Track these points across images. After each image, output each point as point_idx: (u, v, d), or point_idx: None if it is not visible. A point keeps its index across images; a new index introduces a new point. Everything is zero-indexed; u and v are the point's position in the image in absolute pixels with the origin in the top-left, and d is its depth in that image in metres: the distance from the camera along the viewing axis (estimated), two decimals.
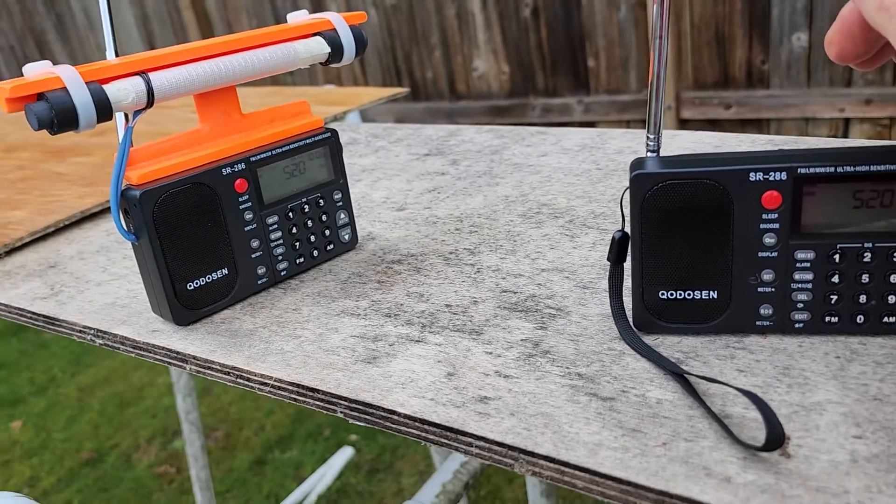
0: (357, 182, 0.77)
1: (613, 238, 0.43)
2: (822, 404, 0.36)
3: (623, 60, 3.11)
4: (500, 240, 0.58)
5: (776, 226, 0.40)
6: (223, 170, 0.51)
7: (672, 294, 0.42)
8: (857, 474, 0.32)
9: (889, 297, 0.40)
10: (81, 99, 0.44)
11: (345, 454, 1.98)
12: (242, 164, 0.52)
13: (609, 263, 0.45)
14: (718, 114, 2.99)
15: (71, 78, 0.44)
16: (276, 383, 0.44)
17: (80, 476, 2.04)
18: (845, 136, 2.85)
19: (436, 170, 0.77)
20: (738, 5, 2.86)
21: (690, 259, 0.41)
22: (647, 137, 0.41)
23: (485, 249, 0.57)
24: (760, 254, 0.40)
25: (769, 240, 0.40)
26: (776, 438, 0.33)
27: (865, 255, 0.39)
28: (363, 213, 0.68)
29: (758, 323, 0.42)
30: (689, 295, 0.42)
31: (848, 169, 0.38)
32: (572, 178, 0.69)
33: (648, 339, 0.43)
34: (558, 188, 0.67)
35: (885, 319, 0.40)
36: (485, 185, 0.71)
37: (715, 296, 0.42)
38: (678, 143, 0.74)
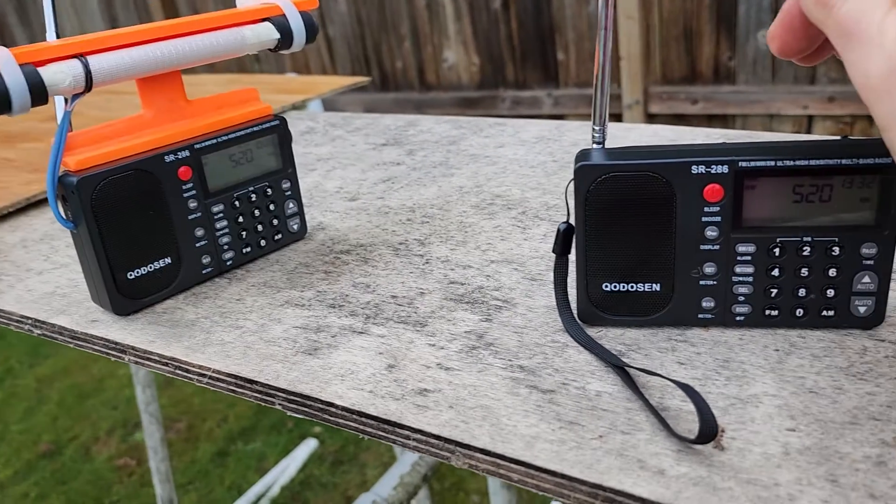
0: (311, 171, 0.76)
1: (558, 230, 0.43)
2: (758, 397, 0.36)
3: (593, 54, 3.12)
4: (452, 231, 0.58)
5: (718, 219, 0.40)
6: (166, 157, 0.50)
7: (616, 286, 0.42)
8: (789, 467, 0.32)
9: (828, 291, 0.40)
10: (14, 81, 0.43)
11: (308, 446, 1.97)
12: (186, 151, 0.51)
13: (555, 255, 0.44)
14: (685, 109, 3.02)
15: (3, 60, 0.43)
16: (214, 374, 0.43)
17: (38, 468, 2.01)
18: (809, 132, 2.89)
19: (392, 160, 0.77)
20: (705, 1, 2.88)
21: (634, 251, 0.41)
22: (593, 129, 0.41)
23: (435, 240, 0.57)
24: (703, 247, 0.40)
25: (711, 233, 0.40)
26: (709, 431, 0.33)
27: (805, 249, 0.39)
28: (315, 202, 0.67)
29: (700, 316, 0.42)
30: (632, 287, 0.42)
31: (787, 163, 0.38)
32: (528, 170, 0.69)
33: (592, 332, 0.43)
34: (513, 179, 0.67)
35: (824, 313, 0.40)
36: (440, 175, 0.70)
37: (658, 289, 0.42)
38: (634, 136, 0.74)
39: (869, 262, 0.39)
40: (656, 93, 3.08)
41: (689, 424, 0.35)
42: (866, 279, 0.39)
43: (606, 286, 0.42)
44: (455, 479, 1.79)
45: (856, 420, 0.34)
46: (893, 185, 0.37)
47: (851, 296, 0.40)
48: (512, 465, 0.34)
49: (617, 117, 3.03)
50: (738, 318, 0.42)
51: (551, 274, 0.50)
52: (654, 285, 0.42)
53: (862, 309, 0.40)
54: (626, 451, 0.34)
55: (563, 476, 0.33)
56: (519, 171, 0.69)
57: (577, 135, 0.77)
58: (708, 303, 0.41)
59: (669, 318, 0.42)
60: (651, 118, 3.06)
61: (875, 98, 0.28)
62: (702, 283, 0.41)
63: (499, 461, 0.34)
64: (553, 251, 0.44)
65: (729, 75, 3.01)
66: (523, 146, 0.76)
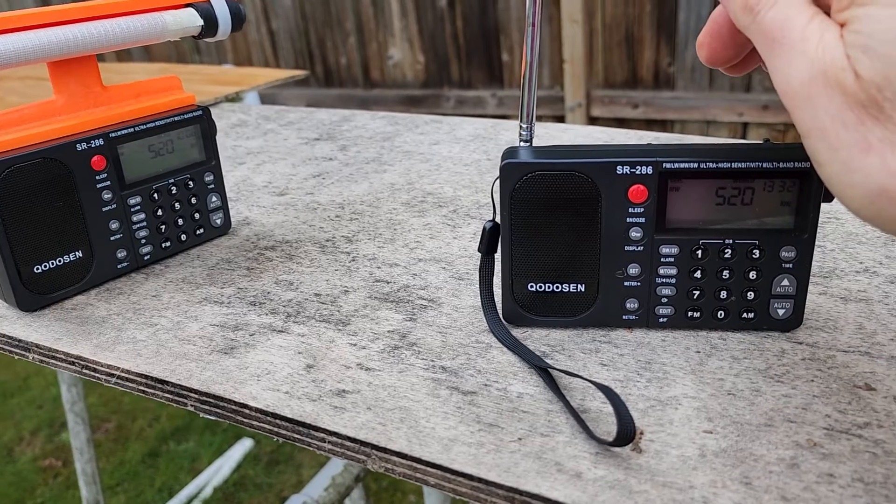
0: (240, 165, 0.74)
1: (484, 228, 0.42)
2: (678, 398, 0.36)
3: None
4: (381, 228, 0.57)
5: (642, 220, 0.39)
6: (78, 145, 0.47)
7: (541, 287, 0.42)
8: (704, 469, 0.32)
9: (748, 294, 0.40)
10: None
11: (244, 446, 1.93)
12: (101, 139, 0.49)
13: (481, 255, 0.44)
14: (626, 113, 3.07)
15: None
16: (123, 374, 0.41)
17: None
18: (744, 139, 2.97)
19: (324, 155, 0.75)
20: (647, 8, 2.94)
21: (559, 251, 0.41)
22: (521, 127, 0.41)
23: (363, 237, 0.55)
24: (627, 248, 0.40)
25: (635, 234, 0.40)
26: (627, 433, 0.32)
27: (726, 251, 0.39)
28: (242, 196, 0.65)
29: (624, 317, 0.42)
30: (557, 288, 0.42)
31: (710, 165, 0.38)
32: (461, 168, 0.68)
33: (517, 332, 0.42)
34: (446, 177, 0.66)
35: (744, 315, 0.41)
36: (372, 171, 0.69)
37: (583, 289, 0.41)
38: (569, 136, 0.74)
39: (788, 266, 0.39)
40: (598, 96, 3.12)
41: (609, 427, 0.35)
42: (785, 282, 0.40)
43: (532, 286, 0.42)
44: (392, 479, 1.78)
45: (771, 422, 0.34)
46: (812, 190, 0.38)
47: (771, 298, 0.40)
48: (428, 469, 0.33)
49: (560, 119, 3.06)
50: (661, 320, 0.41)
51: (478, 273, 0.49)
52: (579, 286, 0.41)
53: (781, 311, 0.40)
54: (544, 453, 0.33)
55: (479, 480, 0.32)
56: (452, 168, 0.68)
57: (513, 134, 0.77)
58: (632, 304, 0.41)
59: (594, 319, 0.42)
60: (593, 121, 3.10)
61: (796, 104, 0.28)
62: (626, 284, 0.41)
63: (415, 465, 0.33)
64: (479, 250, 0.43)
65: (668, 81, 3.07)
66: (458, 144, 0.75)
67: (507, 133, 0.77)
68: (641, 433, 0.34)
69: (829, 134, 0.27)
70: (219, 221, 0.56)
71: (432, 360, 0.40)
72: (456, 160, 0.70)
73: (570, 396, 0.37)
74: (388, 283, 0.49)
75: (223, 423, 2.04)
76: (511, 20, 3.12)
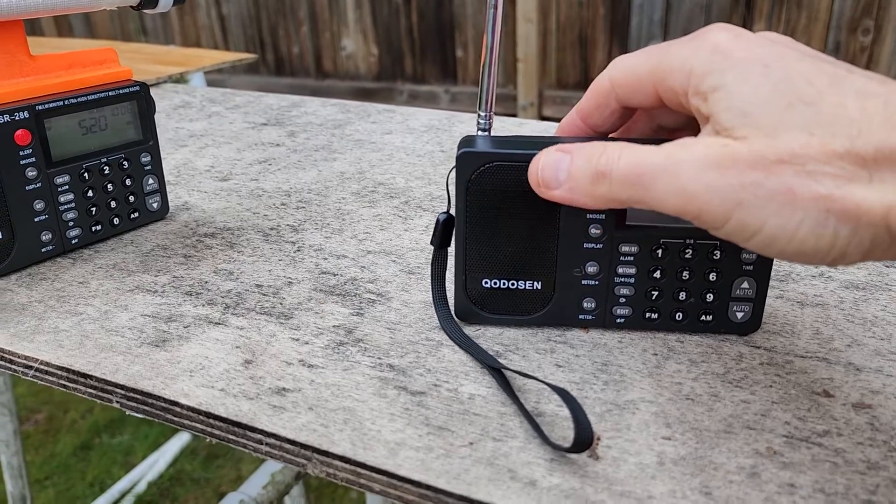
0: (181, 147, 0.70)
1: (437, 220, 0.40)
2: (635, 402, 0.35)
3: None
4: (328, 218, 0.54)
5: (602, 217, 0.38)
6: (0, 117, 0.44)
7: (496, 283, 0.40)
8: (663, 478, 0.30)
9: (707, 296, 0.39)
10: None
11: (180, 439, 1.87)
12: (25, 112, 0.45)
13: (433, 248, 0.41)
14: None
15: None
16: (41, 367, 0.38)
17: None
18: None
19: (271, 140, 0.72)
20: (600, 11, 2.95)
21: (516, 247, 0.39)
22: (479, 115, 0.39)
23: (310, 227, 0.53)
24: (586, 245, 0.39)
25: (595, 231, 0.38)
26: (584, 439, 0.31)
27: (687, 251, 0.38)
28: (182, 181, 0.62)
29: (581, 317, 0.40)
30: (513, 285, 0.40)
31: None
32: (414, 159, 0.66)
33: (469, 330, 0.40)
34: (398, 168, 0.64)
35: (703, 318, 0.39)
36: (321, 159, 0.66)
37: (539, 287, 0.40)
38: (526, 130, 0.72)
39: (748, 268, 0.38)
40: (550, 96, 3.13)
41: (564, 431, 0.33)
42: (745, 285, 0.39)
43: (486, 282, 0.40)
44: None
45: (731, 429, 0.33)
46: None
47: (730, 301, 0.39)
48: (373, 475, 0.31)
49: (511, 118, 3.05)
50: (618, 321, 0.40)
51: (430, 268, 0.47)
52: (535, 283, 0.40)
53: (739, 315, 0.39)
54: (496, 459, 0.31)
55: (427, 487, 0.30)
56: (405, 159, 0.66)
57: (468, 127, 0.75)
58: (589, 303, 0.40)
59: (550, 318, 0.40)
60: (544, 121, 3.11)
61: (706, 202, 0.28)
62: (584, 282, 0.39)
63: (359, 470, 0.31)
64: (431, 243, 0.41)
65: None
66: (412, 134, 0.73)
67: (462, 125, 0.75)
68: (598, 438, 0.32)
69: (752, 202, 0.27)
70: (155, 205, 0.53)
71: (379, 358, 0.38)
72: (409, 150, 0.68)
73: (525, 399, 0.35)
74: (334, 275, 0.46)
75: None
76: (467, 16, 3.11)
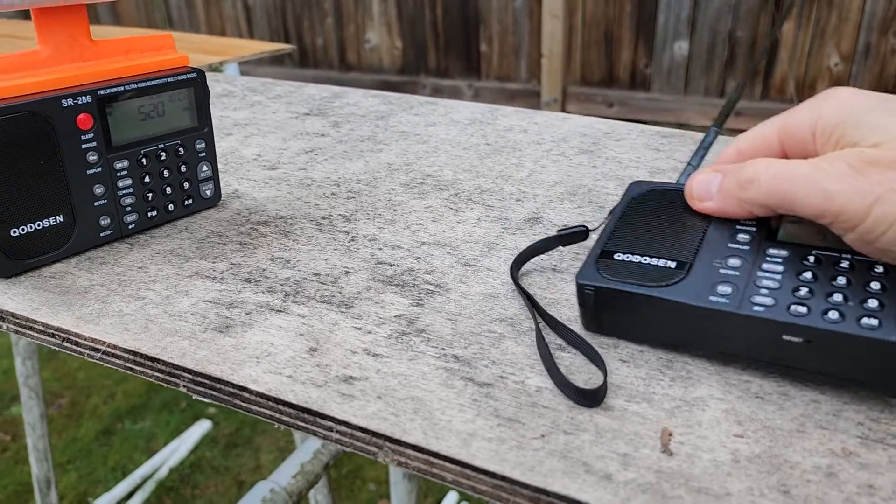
0: (227, 136, 0.70)
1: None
2: (704, 400, 0.34)
3: (515, 48, 3.13)
4: (380, 208, 0.54)
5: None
6: (63, 101, 0.44)
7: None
8: (739, 475, 0.30)
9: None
10: None
11: (202, 427, 1.88)
12: (88, 96, 0.45)
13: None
14: (601, 111, 3.07)
15: None
16: (109, 349, 0.38)
17: None
18: None
19: (315, 130, 0.72)
20: (626, 8, 2.93)
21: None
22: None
23: (362, 217, 0.53)
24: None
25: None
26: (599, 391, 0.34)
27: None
28: (230, 169, 0.62)
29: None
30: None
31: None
32: (460, 151, 0.66)
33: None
34: (445, 160, 0.64)
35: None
36: (367, 150, 0.66)
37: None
38: (568, 126, 0.72)
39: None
40: (574, 93, 3.12)
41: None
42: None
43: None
44: (352, 467, 1.75)
45: (803, 428, 0.33)
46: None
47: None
48: (447, 465, 0.31)
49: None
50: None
51: (487, 260, 0.47)
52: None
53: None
54: (569, 452, 0.31)
55: (503, 478, 0.30)
56: (451, 151, 0.66)
57: (511, 120, 0.74)
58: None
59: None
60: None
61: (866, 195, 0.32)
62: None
63: (432, 459, 0.31)
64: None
65: (644, 82, 3.08)
66: (455, 126, 0.72)
67: (505, 119, 0.75)
68: (671, 434, 0.32)
69: (891, 197, 0.30)
70: (209, 192, 0.53)
71: (443, 349, 0.38)
72: (454, 143, 0.68)
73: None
74: (391, 265, 0.46)
75: (181, 403, 1.99)
76: (492, 11, 3.10)
